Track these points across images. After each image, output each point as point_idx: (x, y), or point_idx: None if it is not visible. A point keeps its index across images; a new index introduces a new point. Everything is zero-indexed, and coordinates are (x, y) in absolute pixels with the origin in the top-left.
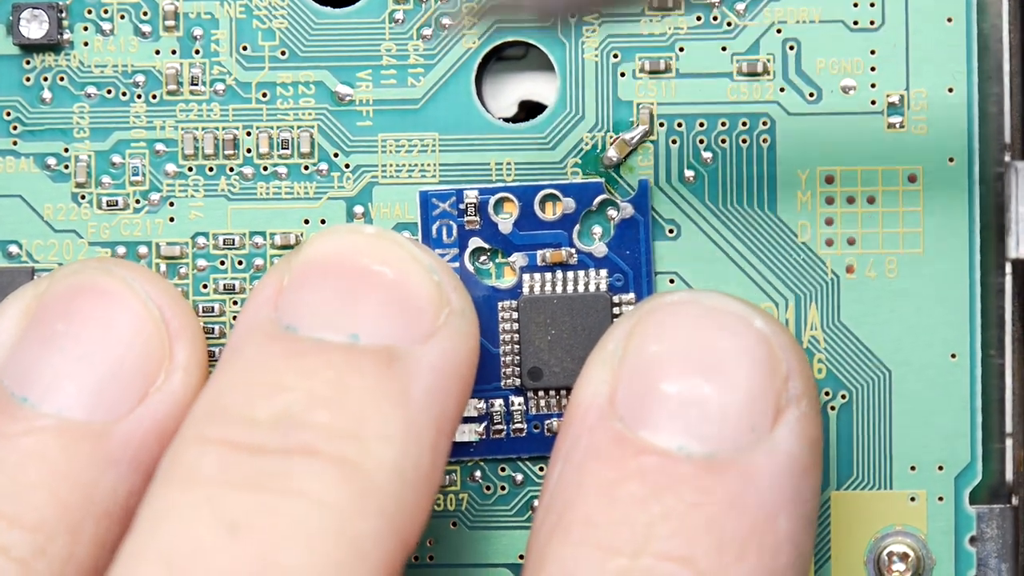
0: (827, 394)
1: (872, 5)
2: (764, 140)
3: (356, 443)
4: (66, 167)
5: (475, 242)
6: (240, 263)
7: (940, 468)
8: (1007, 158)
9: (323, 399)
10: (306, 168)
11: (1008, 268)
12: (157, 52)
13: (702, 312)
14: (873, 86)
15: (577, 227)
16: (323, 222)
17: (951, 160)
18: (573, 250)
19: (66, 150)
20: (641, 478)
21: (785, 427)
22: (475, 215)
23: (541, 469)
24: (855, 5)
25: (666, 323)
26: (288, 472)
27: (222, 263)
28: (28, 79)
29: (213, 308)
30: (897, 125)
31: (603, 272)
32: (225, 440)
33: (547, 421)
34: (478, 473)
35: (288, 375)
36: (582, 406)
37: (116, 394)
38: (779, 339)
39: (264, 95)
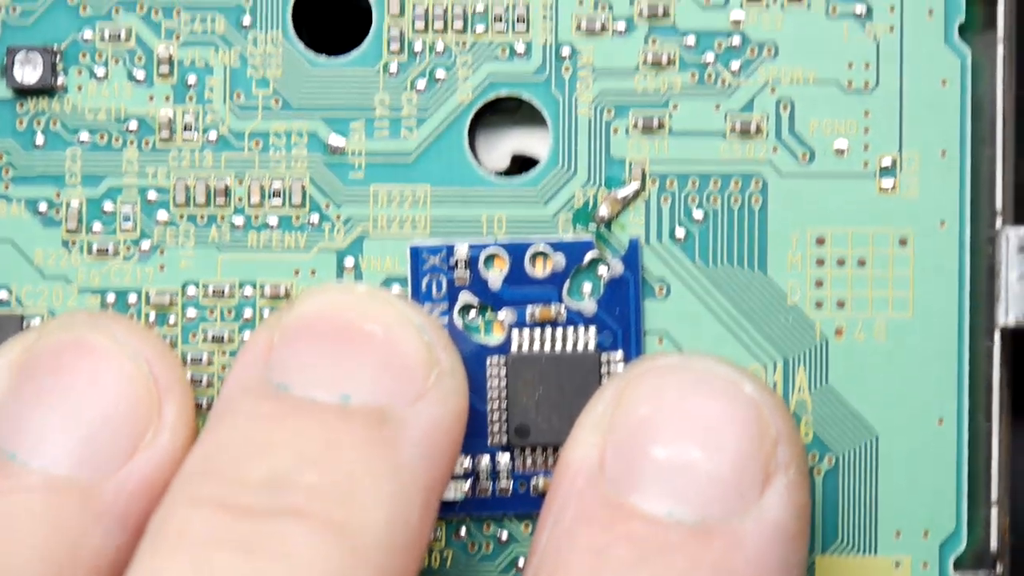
0: (814, 458)
1: (867, 67)
2: (756, 200)
3: (346, 505)
4: (57, 213)
5: (465, 297)
6: (230, 313)
7: (925, 534)
8: (998, 224)
9: (313, 460)
10: (297, 219)
11: (997, 335)
12: (151, 98)
13: (692, 376)
14: (866, 148)
15: (567, 284)
16: (313, 273)
17: (942, 224)
18: (562, 307)
19: (57, 195)
20: (630, 543)
21: (774, 494)
22: (465, 270)
23: (527, 527)
24: (850, 66)
25: (656, 387)
26: (278, 534)
27: (212, 313)
28: (21, 123)
29: (202, 358)
30: (889, 188)
31: (592, 330)
32: (215, 501)
33: (533, 479)
34: (463, 531)
35: (278, 435)
36: (571, 469)
37: (104, 451)
38: (769, 405)
39: (257, 144)
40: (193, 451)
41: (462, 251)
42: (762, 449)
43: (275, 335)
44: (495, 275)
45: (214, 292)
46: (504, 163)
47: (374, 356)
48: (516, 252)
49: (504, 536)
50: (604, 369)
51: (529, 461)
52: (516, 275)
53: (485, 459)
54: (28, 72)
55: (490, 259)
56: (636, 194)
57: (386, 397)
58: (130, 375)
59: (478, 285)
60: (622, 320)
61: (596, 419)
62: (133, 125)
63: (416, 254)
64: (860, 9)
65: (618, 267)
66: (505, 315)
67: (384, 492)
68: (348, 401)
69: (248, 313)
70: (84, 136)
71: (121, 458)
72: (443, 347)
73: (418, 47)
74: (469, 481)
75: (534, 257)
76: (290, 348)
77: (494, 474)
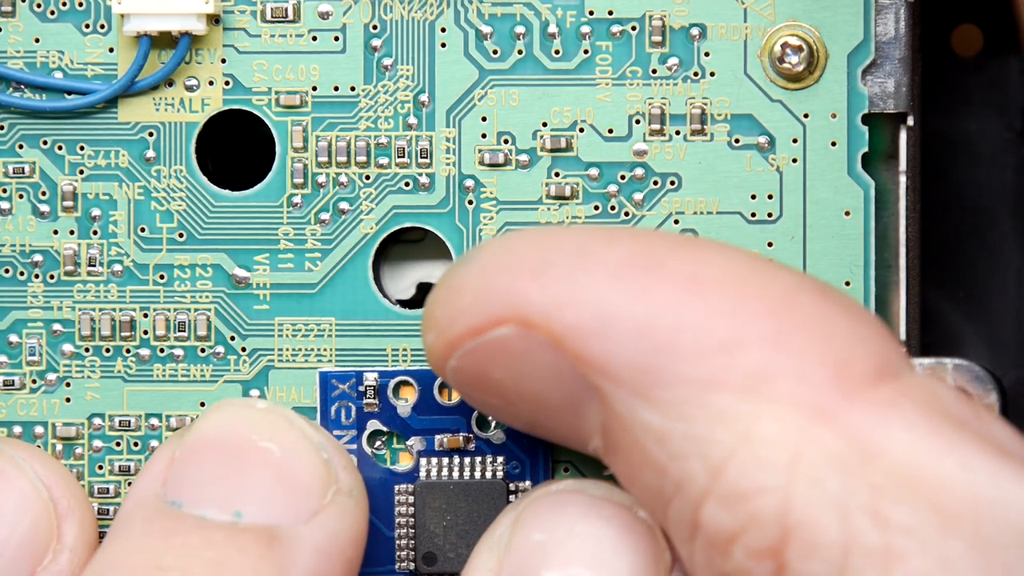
0: None
1: (770, 197)
2: None
3: None
4: None
5: (373, 425)
6: (136, 444)
7: None
8: None
9: None
10: (203, 351)
11: None
12: (55, 232)
13: (587, 501)
14: None
15: (475, 413)
16: None
17: None
18: (471, 436)
19: None
20: None
21: None
22: (374, 398)
23: None
24: (753, 197)
25: (551, 512)
26: None
27: (118, 444)
28: None
29: (108, 489)
30: None
31: (500, 459)
32: None
33: None
34: None
35: (168, 555)
36: None
37: (3, 574)
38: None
39: (162, 277)
40: (86, 570)
41: (371, 379)
42: (656, 572)
43: (175, 452)
44: (404, 403)
45: (120, 424)
46: (410, 292)
47: (268, 473)
48: (425, 380)
49: None
50: (512, 498)
51: None
52: (425, 403)
53: None
54: None
55: (399, 387)
56: None
57: (278, 515)
58: (29, 498)
59: (387, 413)
60: (530, 450)
61: (493, 543)
62: (38, 258)
63: (325, 381)
64: (763, 140)
65: None
66: (414, 443)
67: None
68: (239, 519)
69: (154, 444)
70: None
71: None
72: (343, 467)
73: (322, 180)
74: None
75: (443, 386)
76: (186, 466)
77: None
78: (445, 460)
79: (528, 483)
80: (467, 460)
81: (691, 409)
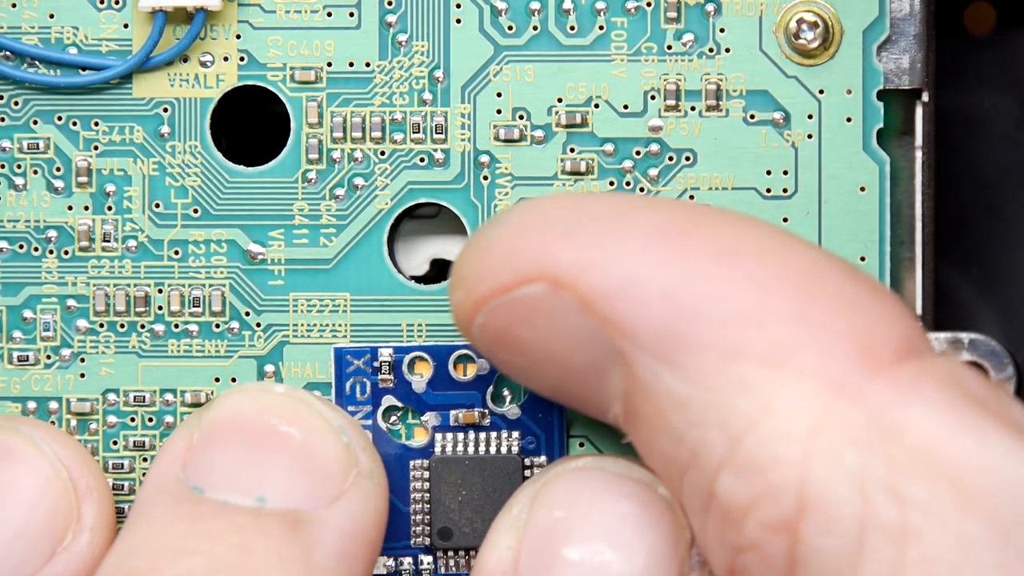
0: None
1: (785, 173)
2: None
3: None
4: None
5: (388, 400)
6: (150, 420)
7: None
8: None
9: (226, 565)
10: (217, 326)
11: None
12: (70, 208)
13: (606, 478)
14: None
15: (491, 388)
16: (234, 380)
17: None
18: (486, 411)
19: None
20: None
21: None
22: (389, 373)
23: None
24: (768, 173)
25: (570, 489)
26: None
27: (132, 420)
28: None
29: (123, 465)
30: None
31: (515, 434)
32: None
33: None
34: None
35: (192, 539)
36: (486, 571)
37: (21, 554)
38: None
39: (176, 253)
40: (109, 555)
41: (386, 355)
42: (676, 550)
43: (194, 435)
44: (419, 379)
45: (135, 399)
46: (423, 268)
47: (290, 458)
48: (440, 355)
49: None
50: (527, 473)
51: (452, 563)
52: (440, 379)
53: (408, 561)
54: None
55: (414, 363)
56: None
57: (301, 499)
58: (48, 478)
59: (402, 388)
60: (545, 425)
61: (511, 521)
62: (52, 234)
63: (340, 357)
64: (778, 116)
65: None
66: (429, 418)
67: None
68: (263, 504)
69: (169, 420)
70: (3, 245)
71: (39, 561)
72: (362, 448)
73: (336, 156)
74: None
75: (458, 361)
76: (206, 450)
77: (417, 575)
78: (460, 435)
79: (543, 458)
80: (482, 435)
81: (713, 377)
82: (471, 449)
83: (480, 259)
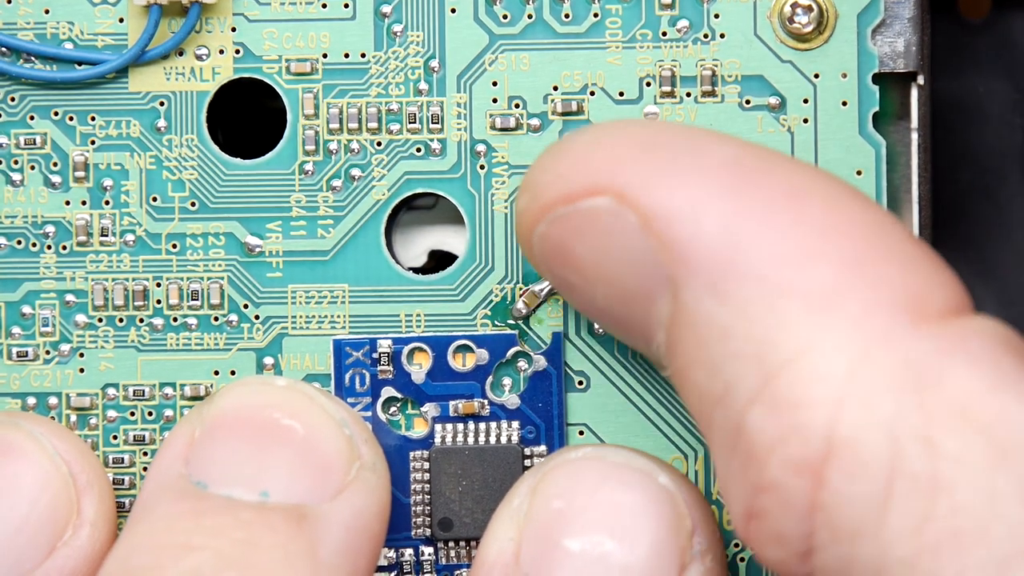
0: (736, 546)
1: None
2: None
3: None
4: None
5: (388, 392)
6: (150, 414)
7: None
8: None
9: (232, 560)
10: (216, 319)
11: None
12: (67, 203)
13: (606, 468)
14: None
15: (490, 378)
16: (233, 373)
17: None
18: (486, 401)
19: None
20: None
21: None
22: (388, 364)
23: None
24: None
25: (570, 479)
26: None
27: (132, 414)
28: None
29: (123, 459)
30: None
31: (515, 424)
32: None
33: (457, 572)
34: None
35: (197, 535)
36: (487, 563)
37: (22, 549)
38: (685, 494)
39: (174, 246)
40: (113, 551)
41: (385, 346)
42: (677, 539)
43: (196, 430)
44: (418, 369)
45: (134, 394)
46: (421, 260)
47: (293, 452)
48: (439, 346)
49: None
50: (527, 462)
51: (453, 554)
52: (439, 369)
53: (409, 552)
54: None
55: (413, 353)
56: (553, 288)
57: (305, 493)
58: (48, 473)
59: (401, 379)
60: (545, 414)
61: (512, 512)
62: (50, 229)
63: (339, 349)
64: (773, 101)
65: (541, 361)
66: (428, 409)
67: None
68: (267, 498)
69: (169, 414)
70: (1, 241)
71: (39, 556)
72: (364, 441)
73: (333, 147)
74: (393, 574)
75: (456, 351)
76: (209, 445)
77: (418, 567)
78: (460, 426)
79: (543, 448)
80: (482, 425)
81: (758, 309)
82: (471, 439)
83: (552, 165)
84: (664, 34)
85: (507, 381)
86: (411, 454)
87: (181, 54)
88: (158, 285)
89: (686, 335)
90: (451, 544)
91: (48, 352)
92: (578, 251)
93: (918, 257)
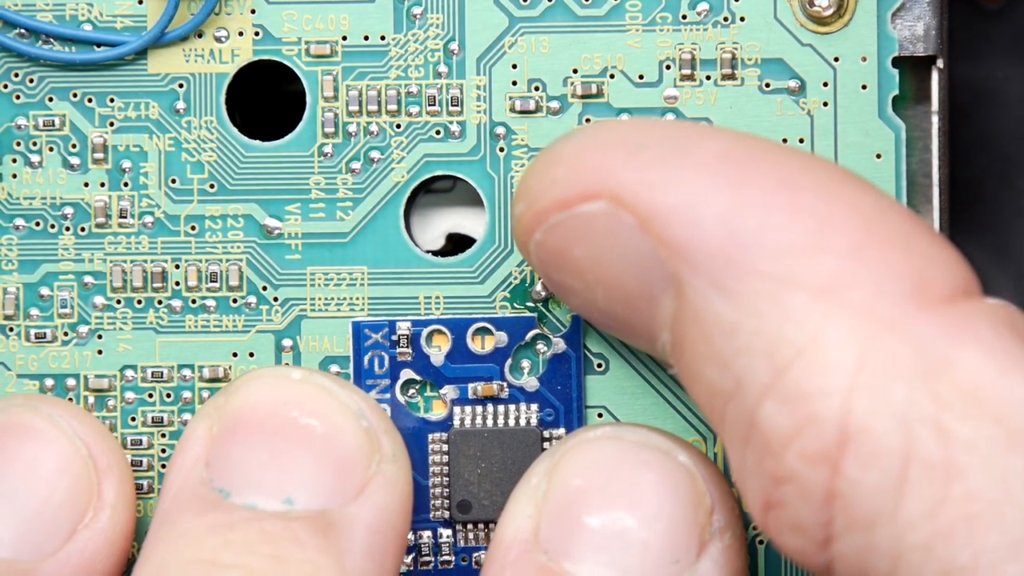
0: (754, 528)
1: (801, 141)
2: None
3: None
4: None
5: (407, 374)
6: (168, 396)
7: None
8: None
9: None
10: (235, 301)
11: None
12: (86, 184)
13: (625, 447)
14: None
15: (509, 361)
16: (252, 355)
17: None
18: (505, 384)
19: None
20: None
21: (708, 559)
22: (407, 347)
23: None
24: (784, 141)
25: (589, 457)
26: None
27: (150, 396)
28: None
29: (141, 441)
30: None
31: (534, 407)
32: None
33: (475, 554)
34: None
35: (225, 552)
36: (506, 540)
37: (42, 532)
38: (704, 472)
39: (193, 228)
40: (140, 567)
41: (404, 328)
42: (697, 516)
43: (214, 427)
44: (437, 352)
45: (152, 375)
46: (439, 242)
47: (313, 454)
48: (458, 328)
49: None
50: (546, 445)
51: (471, 536)
52: (458, 351)
53: (427, 534)
54: None
55: (432, 336)
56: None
57: (328, 496)
58: (68, 456)
59: (420, 362)
60: (564, 397)
61: (530, 491)
62: (69, 211)
63: (358, 331)
64: (793, 84)
65: (560, 344)
66: (447, 391)
67: None
68: (291, 506)
69: (187, 395)
70: (20, 222)
71: (60, 539)
72: (384, 431)
73: (352, 129)
74: (411, 556)
75: (476, 334)
76: (228, 448)
77: (436, 549)
78: (479, 408)
79: (562, 430)
80: (501, 408)
81: (764, 304)
82: (490, 422)
83: (545, 171)
84: (684, 17)
85: (526, 363)
86: (430, 436)
87: (200, 36)
88: (176, 267)
89: (692, 332)
90: (469, 526)
91: (66, 334)
92: (577, 255)
93: (919, 240)
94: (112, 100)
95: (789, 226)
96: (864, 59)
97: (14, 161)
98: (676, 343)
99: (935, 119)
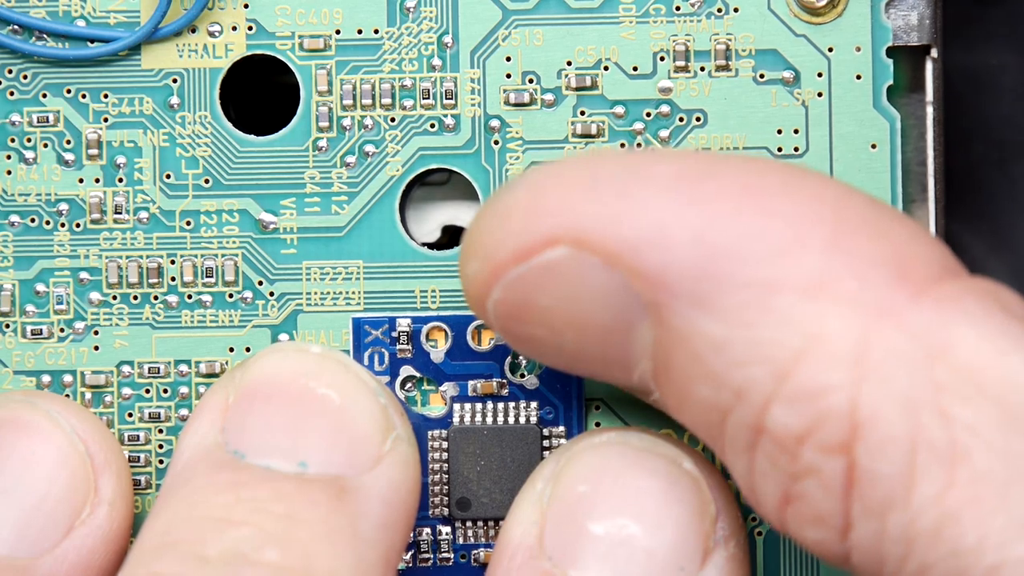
0: (753, 520)
1: (796, 132)
2: None
3: None
4: None
5: (406, 371)
6: (165, 392)
7: None
8: None
9: (273, 536)
10: (230, 296)
11: None
12: (80, 180)
13: (631, 453)
14: None
15: (509, 358)
16: (248, 350)
17: None
18: (504, 381)
19: None
20: None
21: (713, 568)
22: (407, 343)
23: None
24: (779, 132)
25: (594, 464)
26: None
27: (147, 392)
28: None
29: (139, 437)
30: None
31: (534, 404)
32: None
33: (474, 551)
34: None
35: (237, 509)
36: (511, 546)
37: (39, 529)
38: (709, 480)
39: (188, 223)
40: (150, 523)
41: (404, 324)
42: (701, 524)
43: (230, 396)
44: (437, 349)
45: (149, 371)
46: (435, 235)
47: (329, 422)
48: (458, 325)
49: None
50: (546, 443)
51: (470, 533)
52: (458, 348)
53: (426, 531)
54: None
55: (431, 332)
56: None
57: (343, 464)
58: (66, 452)
59: (420, 358)
60: (563, 395)
61: (535, 497)
62: (64, 207)
63: (358, 327)
64: (788, 75)
65: None
66: (447, 388)
67: (343, 567)
68: (305, 469)
69: (184, 391)
70: (15, 219)
71: (57, 536)
72: (398, 412)
73: (347, 123)
74: (410, 553)
75: (476, 330)
76: (245, 412)
77: (435, 546)
78: (479, 405)
79: (562, 428)
80: (500, 405)
81: (753, 313)
82: (489, 419)
83: (497, 224)
84: (678, 8)
85: (526, 361)
86: (429, 433)
87: (194, 31)
88: (172, 262)
89: (679, 354)
90: (468, 524)
91: (63, 330)
92: (541, 304)
93: (890, 224)
94: (106, 96)
95: (762, 232)
96: (858, 49)
97: (8, 158)
98: (660, 369)
99: (930, 108)
